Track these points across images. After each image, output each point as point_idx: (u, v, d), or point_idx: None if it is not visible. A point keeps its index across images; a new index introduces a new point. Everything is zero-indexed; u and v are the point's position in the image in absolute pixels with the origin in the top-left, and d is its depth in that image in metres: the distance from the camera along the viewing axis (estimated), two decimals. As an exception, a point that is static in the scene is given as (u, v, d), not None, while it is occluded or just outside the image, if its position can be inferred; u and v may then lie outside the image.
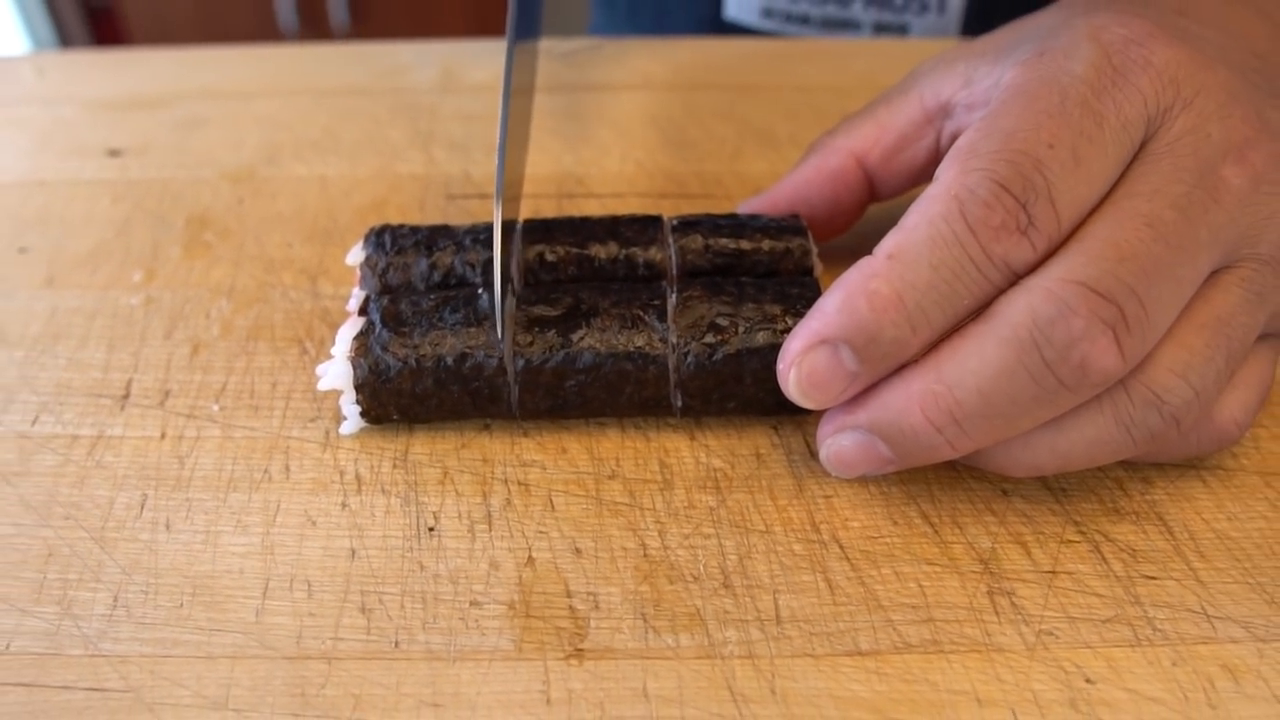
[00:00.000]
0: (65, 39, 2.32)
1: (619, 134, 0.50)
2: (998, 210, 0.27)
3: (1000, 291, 0.28)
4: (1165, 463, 0.33)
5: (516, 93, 0.35)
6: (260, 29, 2.39)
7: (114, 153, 0.49)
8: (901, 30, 0.63)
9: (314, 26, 2.40)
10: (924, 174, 0.37)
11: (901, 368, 0.29)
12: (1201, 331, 0.28)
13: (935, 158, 0.36)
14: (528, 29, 0.38)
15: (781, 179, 0.38)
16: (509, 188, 0.33)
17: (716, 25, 0.67)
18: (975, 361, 0.27)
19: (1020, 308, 0.27)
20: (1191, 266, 0.28)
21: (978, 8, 0.61)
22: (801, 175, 0.37)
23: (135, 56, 0.57)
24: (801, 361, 0.29)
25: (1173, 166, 0.28)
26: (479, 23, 2.32)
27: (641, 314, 0.33)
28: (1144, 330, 0.27)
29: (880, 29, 0.63)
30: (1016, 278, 0.28)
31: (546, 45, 0.58)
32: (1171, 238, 0.27)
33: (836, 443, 0.31)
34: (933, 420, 0.28)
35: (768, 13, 0.64)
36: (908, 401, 0.28)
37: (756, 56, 0.57)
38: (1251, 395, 0.31)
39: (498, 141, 0.32)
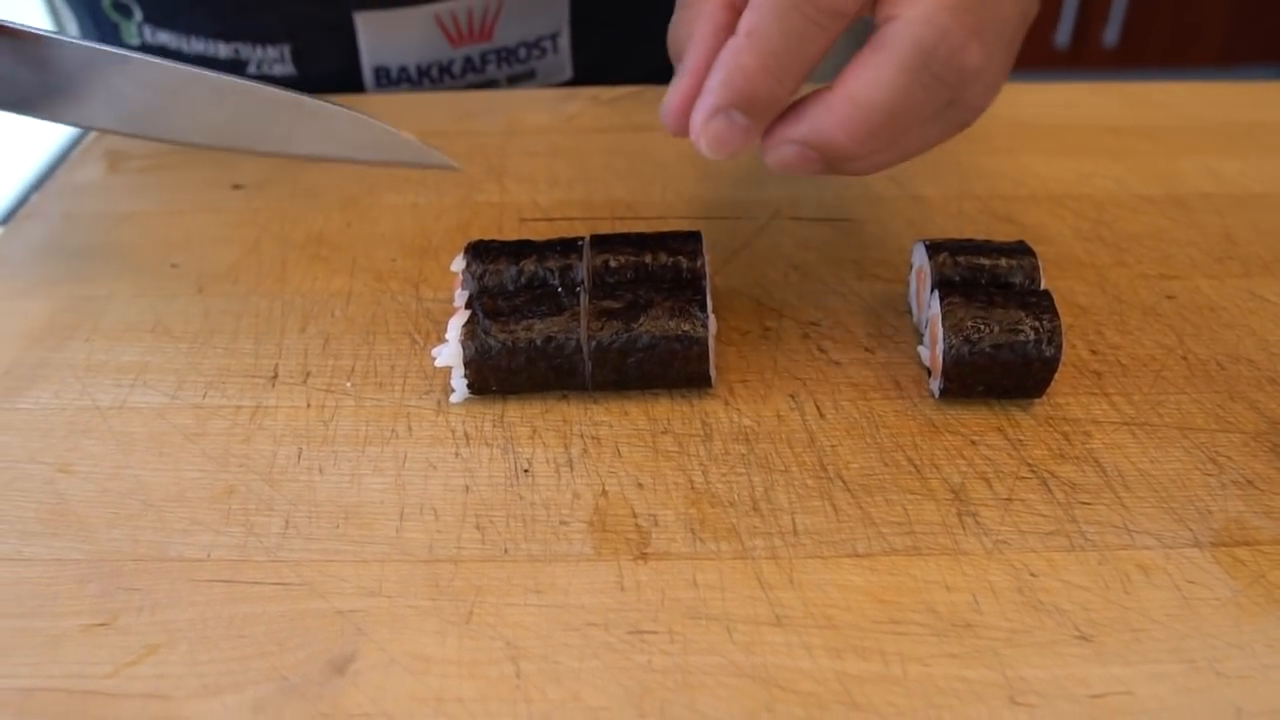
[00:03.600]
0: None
1: (659, 168, 0.60)
2: None
3: (837, 36, 0.36)
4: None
5: None
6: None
7: (237, 186, 0.59)
8: (531, 75, 0.74)
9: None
10: None
11: (817, 97, 0.37)
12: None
13: None
14: None
15: (688, 56, 0.39)
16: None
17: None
18: (883, 88, 0.36)
19: (907, 37, 0.35)
20: None
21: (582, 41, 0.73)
22: (703, 45, 0.39)
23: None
24: (705, 129, 0.37)
25: None
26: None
27: (687, 306, 0.42)
28: (993, 30, 0.36)
29: (512, 80, 0.74)
30: (847, 21, 0.36)
31: (594, 93, 0.68)
32: None
33: (779, 151, 0.39)
34: (852, 136, 0.37)
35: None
36: (832, 124, 0.37)
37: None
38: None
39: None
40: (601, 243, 0.45)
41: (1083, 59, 2.54)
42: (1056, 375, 0.42)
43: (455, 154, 0.59)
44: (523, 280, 0.45)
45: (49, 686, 0.33)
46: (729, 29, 0.38)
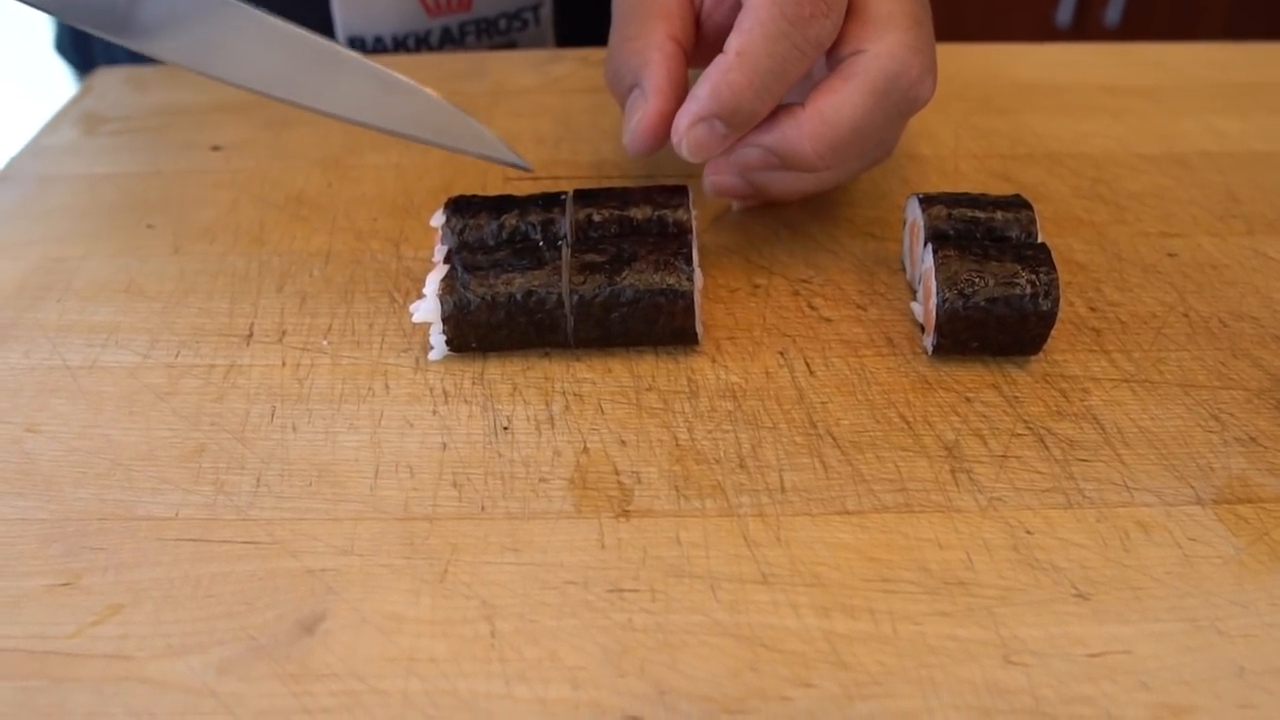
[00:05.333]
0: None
1: (649, 127, 0.58)
2: (806, 4, 0.39)
3: (814, 62, 0.41)
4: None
5: None
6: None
7: (216, 148, 0.58)
8: (511, 47, 0.73)
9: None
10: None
11: (788, 112, 0.42)
12: None
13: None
14: None
15: (646, 80, 0.43)
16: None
17: None
18: (849, 109, 0.41)
19: (875, 68, 0.41)
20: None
21: (564, 14, 0.73)
22: (662, 70, 0.43)
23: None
24: (688, 134, 0.41)
25: None
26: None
27: (672, 259, 0.41)
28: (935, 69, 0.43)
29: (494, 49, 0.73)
30: (823, 50, 0.41)
31: (583, 54, 0.66)
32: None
33: (745, 153, 0.44)
34: (816, 149, 0.42)
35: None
36: (800, 137, 0.41)
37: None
38: None
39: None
40: (585, 197, 0.44)
41: (1085, 38, 2.52)
42: (1054, 332, 0.41)
43: (440, 114, 0.57)
44: (504, 235, 0.43)
45: (9, 647, 0.32)
46: (680, 59, 0.43)
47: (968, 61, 0.66)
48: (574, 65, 0.66)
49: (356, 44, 0.69)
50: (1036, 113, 0.60)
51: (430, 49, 0.71)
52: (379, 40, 0.70)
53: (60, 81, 0.89)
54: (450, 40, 0.71)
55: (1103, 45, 0.69)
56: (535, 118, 0.60)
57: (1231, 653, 0.32)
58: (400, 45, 0.70)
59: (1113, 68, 0.66)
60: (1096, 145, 0.57)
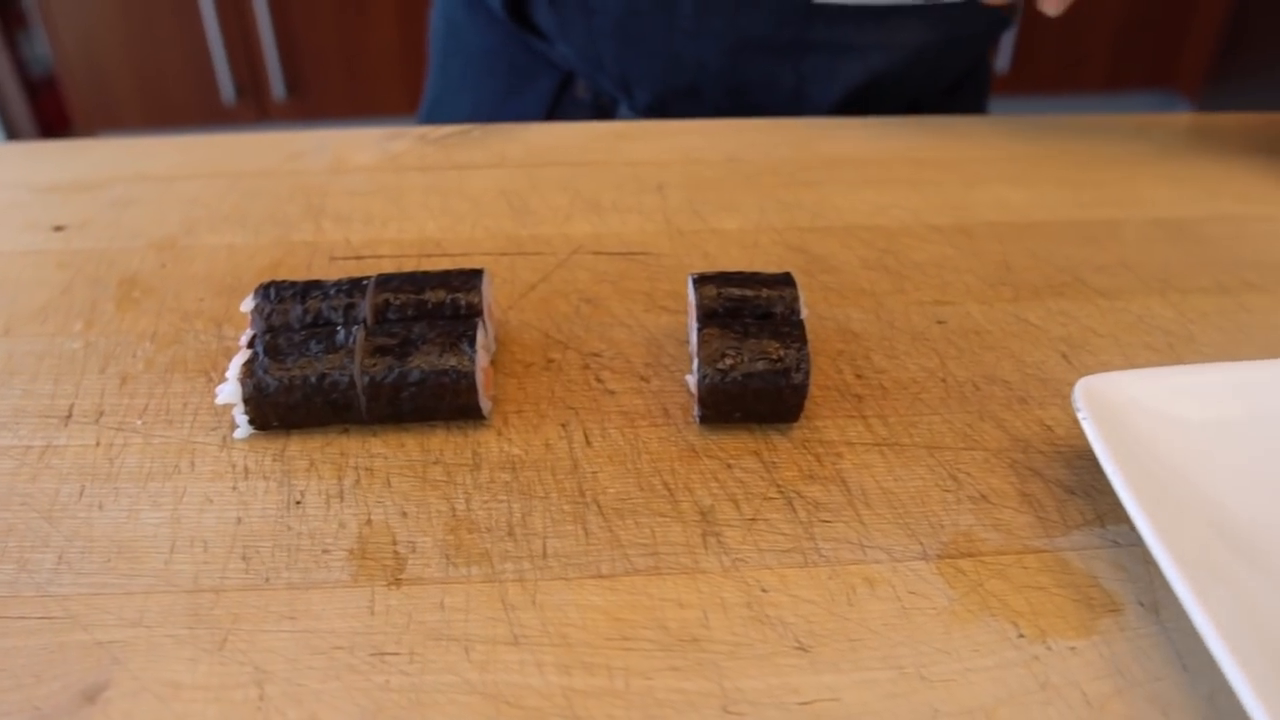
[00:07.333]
0: (9, 122, 2.40)
1: (473, 205, 0.62)
2: None
3: None
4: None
5: None
6: (202, 103, 2.49)
7: (59, 228, 0.60)
8: None
9: (253, 100, 2.51)
10: None
11: None
12: None
13: None
14: None
15: None
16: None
17: (808, 10, 0.73)
18: None
19: None
20: None
21: None
22: None
23: (77, 146, 0.68)
24: None
25: None
26: (410, 98, 2.45)
27: (457, 342, 0.44)
28: None
29: None
30: None
31: (422, 132, 0.70)
32: None
33: None
34: None
35: None
36: None
37: (596, 137, 0.69)
38: None
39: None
40: (384, 282, 0.47)
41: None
42: (820, 398, 0.45)
43: (279, 194, 0.61)
44: (308, 319, 0.46)
45: None
46: None
47: (783, 136, 0.71)
48: (412, 143, 0.69)
49: None
50: (840, 185, 0.65)
51: None
52: None
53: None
54: None
55: (913, 119, 0.74)
56: (369, 195, 0.63)
57: (930, 696, 0.35)
58: None
59: (921, 140, 0.71)
60: (892, 217, 0.62)
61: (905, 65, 0.78)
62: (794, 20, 0.73)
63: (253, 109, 2.53)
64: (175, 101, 2.50)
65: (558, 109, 0.84)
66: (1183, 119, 0.77)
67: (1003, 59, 2.63)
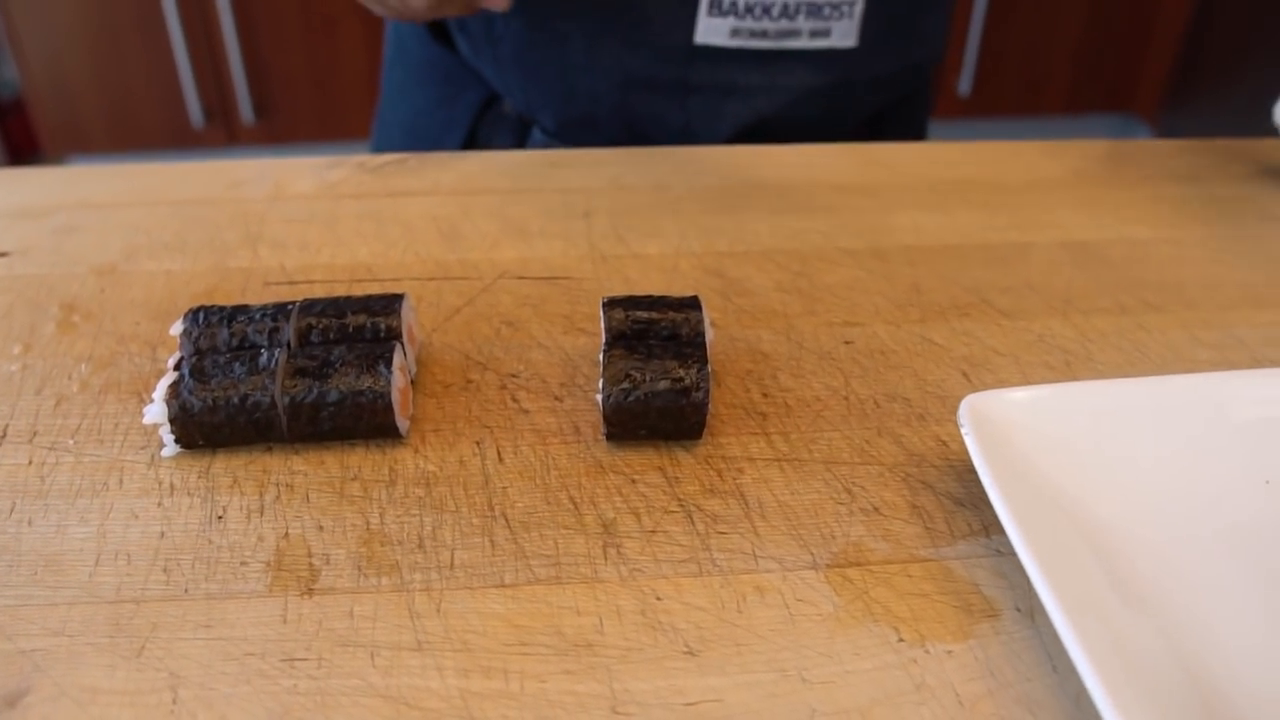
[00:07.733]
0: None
1: (405, 231, 0.64)
2: None
3: None
4: None
5: None
6: (170, 126, 2.50)
7: (3, 254, 0.62)
8: (826, 34, 0.79)
9: (222, 123, 2.52)
10: None
11: None
12: None
13: None
14: None
15: None
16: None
17: (689, 51, 0.80)
18: None
19: None
20: None
21: (874, 11, 0.79)
22: None
23: (22, 174, 0.70)
24: None
25: None
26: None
27: (374, 364, 0.46)
28: None
29: (814, 34, 0.79)
30: None
31: (360, 160, 0.72)
32: None
33: None
34: None
35: (735, 32, 0.78)
36: None
37: (529, 165, 0.72)
38: None
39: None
40: (308, 307, 0.49)
41: (937, 108, 2.65)
42: (725, 416, 0.47)
43: (219, 222, 0.63)
44: (234, 342, 0.49)
45: None
46: None
47: (712, 164, 0.73)
48: (351, 171, 0.72)
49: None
50: (762, 211, 0.67)
51: (770, 19, 0.77)
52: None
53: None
54: (786, 15, 0.77)
55: (842, 146, 0.76)
56: (306, 223, 0.65)
57: (809, 697, 0.38)
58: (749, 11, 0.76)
59: (846, 166, 0.73)
60: (807, 241, 0.64)
61: (794, 107, 0.81)
62: (677, 60, 0.78)
63: (221, 132, 2.55)
64: (144, 125, 2.51)
65: (482, 121, 0.88)
66: (1100, 146, 0.80)
67: (964, 82, 2.67)
